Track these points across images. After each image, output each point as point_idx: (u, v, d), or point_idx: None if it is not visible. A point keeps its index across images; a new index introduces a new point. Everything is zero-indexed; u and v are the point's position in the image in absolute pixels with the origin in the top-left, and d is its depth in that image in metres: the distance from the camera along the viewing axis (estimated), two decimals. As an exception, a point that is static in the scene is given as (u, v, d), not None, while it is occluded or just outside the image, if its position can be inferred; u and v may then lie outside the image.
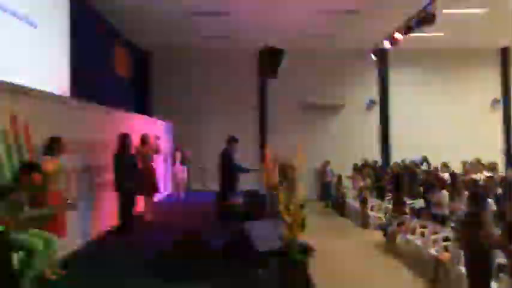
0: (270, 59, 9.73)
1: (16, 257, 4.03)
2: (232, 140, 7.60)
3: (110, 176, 7.45)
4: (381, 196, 10.60)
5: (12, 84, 4.97)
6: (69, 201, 4.71)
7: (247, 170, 7.70)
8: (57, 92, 7.44)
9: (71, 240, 5.82)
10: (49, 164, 4.75)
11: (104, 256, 6.21)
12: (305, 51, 13.76)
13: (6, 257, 3.47)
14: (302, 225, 4.32)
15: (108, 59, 11.18)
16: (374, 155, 14.31)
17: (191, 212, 9.77)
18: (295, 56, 13.62)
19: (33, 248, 4.07)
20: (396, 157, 13.83)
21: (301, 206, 4.40)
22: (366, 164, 13.23)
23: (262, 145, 13.10)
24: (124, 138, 7.43)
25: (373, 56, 12.87)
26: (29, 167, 4.20)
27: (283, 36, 11.86)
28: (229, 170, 7.26)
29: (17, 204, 3.99)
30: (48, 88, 7.07)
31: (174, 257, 5.22)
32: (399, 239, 7.67)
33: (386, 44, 11.19)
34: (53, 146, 5.03)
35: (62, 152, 5.14)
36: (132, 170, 7.44)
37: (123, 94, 11.93)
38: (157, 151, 8.88)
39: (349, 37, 12.66)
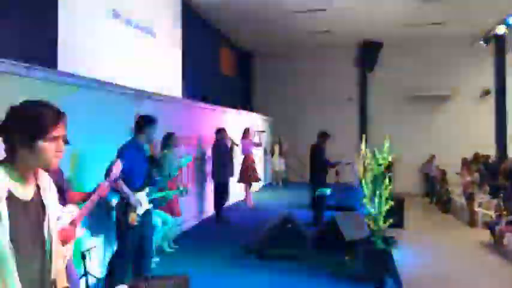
0: (367, 52, 9.69)
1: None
2: (322, 135, 7.84)
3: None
4: (494, 193, 9.90)
5: (136, 89, 5.97)
6: (181, 187, 5.51)
7: (333, 165, 7.84)
8: (172, 93, 8.54)
9: (182, 221, 6.79)
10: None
11: (209, 237, 7.07)
12: (409, 41, 13.29)
13: (151, 226, 4.41)
14: (386, 217, 4.47)
15: (214, 60, 12.17)
16: (488, 149, 13.25)
17: (288, 201, 10.29)
18: (398, 46, 13.30)
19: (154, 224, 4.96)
20: (514, 152, 12.67)
21: (387, 199, 4.55)
22: (476, 159, 12.35)
23: (361, 137, 13.05)
24: (219, 132, 8.07)
25: (483, 43, 11.91)
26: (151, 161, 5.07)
27: (386, 27, 11.65)
28: (318, 164, 7.54)
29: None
30: (164, 90, 8.18)
31: (272, 243, 5.77)
32: (507, 238, 7.23)
33: (501, 29, 10.31)
34: (168, 140, 5.92)
35: (176, 146, 6.00)
36: (226, 160, 8.05)
37: (229, 92, 12.87)
38: (258, 144, 9.50)
39: (457, 24, 11.90)
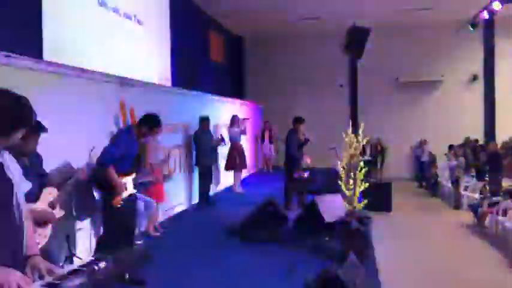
0: (354, 39, 9.75)
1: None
2: (294, 120, 8.01)
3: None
4: (480, 176, 10.11)
5: (121, 77, 6.08)
6: (165, 172, 5.68)
7: (302, 145, 7.97)
8: (160, 80, 8.64)
9: (168, 206, 6.97)
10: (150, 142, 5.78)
11: (195, 221, 7.25)
12: (399, 27, 13.36)
13: (135, 211, 4.60)
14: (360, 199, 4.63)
15: (203, 46, 12.18)
16: (478, 133, 13.44)
17: (276, 186, 10.48)
18: (388, 33, 13.35)
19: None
20: (503, 136, 12.81)
21: (361, 181, 4.72)
22: (466, 143, 12.55)
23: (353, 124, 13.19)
24: (203, 119, 8.25)
25: (470, 28, 11.98)
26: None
27: (375, 13, 11.70)
28: (287, 148, 7.79)
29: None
30: (153, 78, 8.29)
31: (254, 225, 5.96)
32: (488, 220, 7.44)
33: (485, 15, 10.40)
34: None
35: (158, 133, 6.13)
36: (208, 147, 8.23)
37: (218, 79, 12.91)
38: (243, 131, 9.60)
39: (446, 9, 11.95)
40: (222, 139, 8.64)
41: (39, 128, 3.03)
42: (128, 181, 4.29)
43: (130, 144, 4.25)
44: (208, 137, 8.31)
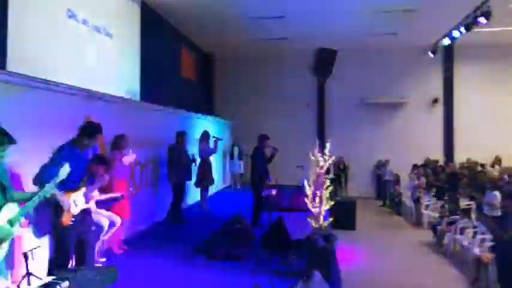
0: (323, 60, 10.06)
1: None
2: (260, 137, 8.17)
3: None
4: (439, 196, 10.49)
5: (88, 90, 5.98)
6: (131, 189, 5.57)
7: (270, 159, 8.14)
8: (128, 94, 8.54)
9: (134, 222, 6.82)
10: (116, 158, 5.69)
11: (161, 238, 7.14)
12: (365, 49, 13.87)
13: (89, 228, 4.42)
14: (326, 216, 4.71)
15: (175, 62, 12.20)
16: (438, 154, 13.99)
17: (243, 202, 10.47)
18: (355, 55, 13.82)
19: (101, 225, 5.00)
20: (461, 157, 13.41)
21: (327, 199, 4.81)
22: (426, 163, 13.01)
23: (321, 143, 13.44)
24: (179, 134, 8.24)
25: (430, 54, 12.61)
26: (97, 159, 5.10)
27: (342, 35, 12.10)
28: (254, 165, 7.90)
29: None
30: (121, 91, 8.18)
31: (220, 242, 5.92)
32: (447, 238, 7.71)
33: (446, 41, 10.99)
34: (118, 142, 5.97)
35: (125, 148, 6.05)
36: (183, 162, 8.17)
37: (188, 95, 12.91)
38: (213, 150, 9.55)
39: (410, 35, 12.53)
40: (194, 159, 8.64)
41: (7, 141, 2.94)
42: (77, 197, 4.11)
43: (73, 159, 3.99)
44: (183, 151, 8.25)
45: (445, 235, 7.77)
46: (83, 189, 4.19)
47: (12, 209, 3.04)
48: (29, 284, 4.03)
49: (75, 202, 4.05)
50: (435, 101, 14.33)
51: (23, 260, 4.13)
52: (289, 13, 10.63)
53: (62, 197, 3.94)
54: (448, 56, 13.94)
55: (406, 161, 13.05)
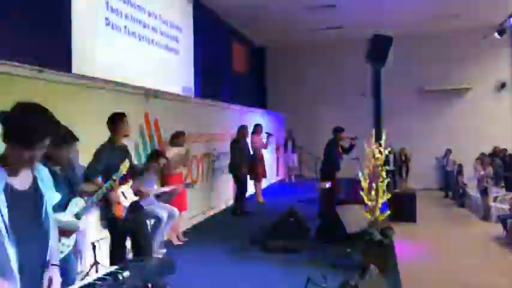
0: (378, 47, 9.67)
1: (149, 223, 5.20)
2: (334, 130, 7.98)
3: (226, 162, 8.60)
4: (509, 187, 9.83)
5: (146, 88, 6.23)
6: (187, 181, 5.75)
7: (349, 149, 8.10)
8: (183, 92, 8.80)
9: (191, 215, 7.06)
10: (171, 153, 5.89)
11: (218, 230, 7.32)
12: (424, 35, 13.20)
13: (142, 219, 4.58)
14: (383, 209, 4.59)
15: (226, 57, 12.31)
16: (507, 143, 13.04)
17: (299, 196, 10.44)
18: (414, 40, 13.19)
19: (160, 217, 5.22)
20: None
21: (384, 192, 4.67)
22: (494, 153, 12.19)
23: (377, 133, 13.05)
24: (241, 128, 8.50)
25: (497, 35, 11.70)
26: (156, 154, 5.33)
27: (397, 21, 11.61)
28: (325, 158, 7.72)
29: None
30: (177, 89, 8.44)
31: (276, 235, 5.96)
32: (519, 232, 7.22)
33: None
34: (177, 138, 6.17)
35: (183, 144, 6.24)
36: (246, 156, 8.39)
37: (241, 89, 13.00)
38: (265, 145, 9.62)
39: (474, 16, 11.74)
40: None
41: (71, 138, 3.13)
42: (125, 189, 4.12)
43: (112, 153, 4.02)
44: (245, 145, 8.48)
45: (517, 229, 7.27)
46: (130, 182, 4.20)
47: (78, 203, 3.25)
48: (96, 272, 4.31)
49: (124, 194, 4.10)
50: (503, 85, 13.34)
51: (91, 249, 4.42)
52: (341, 1, 10.37)
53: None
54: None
55: (470, 150, 12.25)
